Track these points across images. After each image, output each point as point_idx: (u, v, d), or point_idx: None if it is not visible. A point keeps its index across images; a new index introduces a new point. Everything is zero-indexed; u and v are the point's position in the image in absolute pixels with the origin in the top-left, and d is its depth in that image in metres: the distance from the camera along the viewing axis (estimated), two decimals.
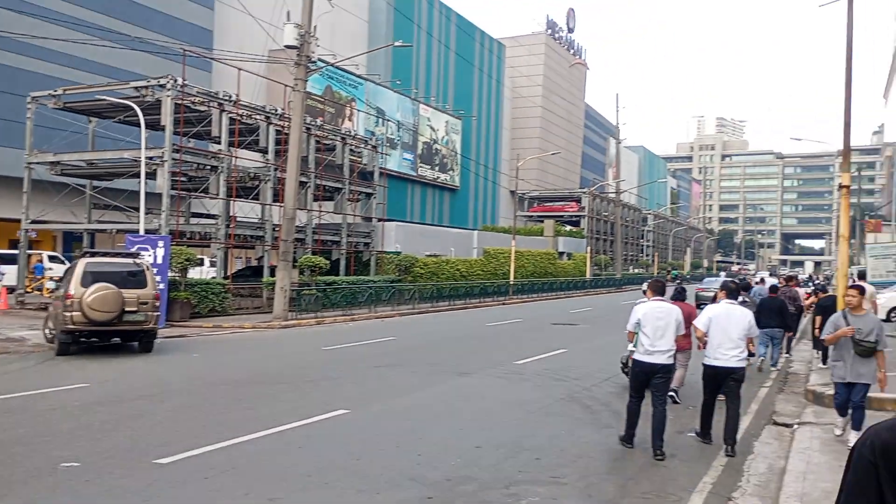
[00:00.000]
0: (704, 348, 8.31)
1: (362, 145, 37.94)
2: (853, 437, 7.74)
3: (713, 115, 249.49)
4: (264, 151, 30.34)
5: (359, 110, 50.25)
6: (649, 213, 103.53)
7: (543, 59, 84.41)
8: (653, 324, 7.89)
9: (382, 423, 9.27)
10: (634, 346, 8.25)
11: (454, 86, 67.61)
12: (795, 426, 9.20)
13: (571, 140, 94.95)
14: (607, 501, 6.25)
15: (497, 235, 55.37)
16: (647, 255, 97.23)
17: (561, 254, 63.00)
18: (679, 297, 11.07)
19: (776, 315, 13.70)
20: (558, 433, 8.76)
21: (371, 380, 12.57)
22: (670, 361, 8.08)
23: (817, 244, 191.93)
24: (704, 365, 8.31)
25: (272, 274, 27.30)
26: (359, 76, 51.21)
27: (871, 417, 8.97)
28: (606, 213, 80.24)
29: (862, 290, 8.47)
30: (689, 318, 9.69)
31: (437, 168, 63.83)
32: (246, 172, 29.28)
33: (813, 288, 24.09)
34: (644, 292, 9.11)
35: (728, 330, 8.06)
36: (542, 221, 69.54)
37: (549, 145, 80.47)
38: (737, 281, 15.18)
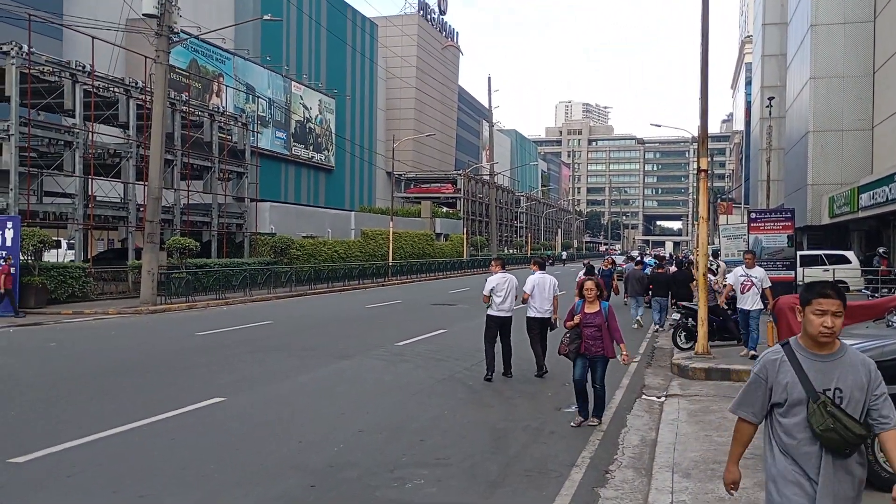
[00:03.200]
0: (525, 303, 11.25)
1: (232, 122, 36.53)
2: None
3: (580, 101, 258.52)
4: (125, 127, 28.58)
5: (227, 86, 48.27)
6: (522, 195, 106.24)
7: (416, 41, 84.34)
8: (501, 288, 11.12)
9: (261, 410, 8.95)
10: (489, 307, 11.21)
11: (326, 64, 66.27)
12: (663, 399, 9.68)
13: (446, 122, 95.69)
14: (491, 481, 6.29)
15: (374, 216, 55.04)
16: (520, 237, 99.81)
17: (438, 235, 63.52)
18: (590, 272, 15.62)
19: (664, 287, 17.54)
20: (441, 414, 8.77)
21: (248, 365, 12.13)
22: (511, 314, 11.23)
23: (675, 225, 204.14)
24: (529, 317, 11.18)
25: (138, 256, 25.87)
26: (226, 50, 49.16)
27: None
28: (481, 195, 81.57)
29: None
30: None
31: (311, 148, 62.53)
32: (105, 149, 27.49)
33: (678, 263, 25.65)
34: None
35: (543, 291, 11.04)
36: (418, 203, 69.74)
37: (424, 127, 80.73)
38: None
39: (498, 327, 11.16)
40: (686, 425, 8.01)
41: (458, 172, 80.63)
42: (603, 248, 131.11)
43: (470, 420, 8.50)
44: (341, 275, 36.03)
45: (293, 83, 58.59)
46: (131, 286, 25.62)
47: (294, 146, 59.21)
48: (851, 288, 24.41)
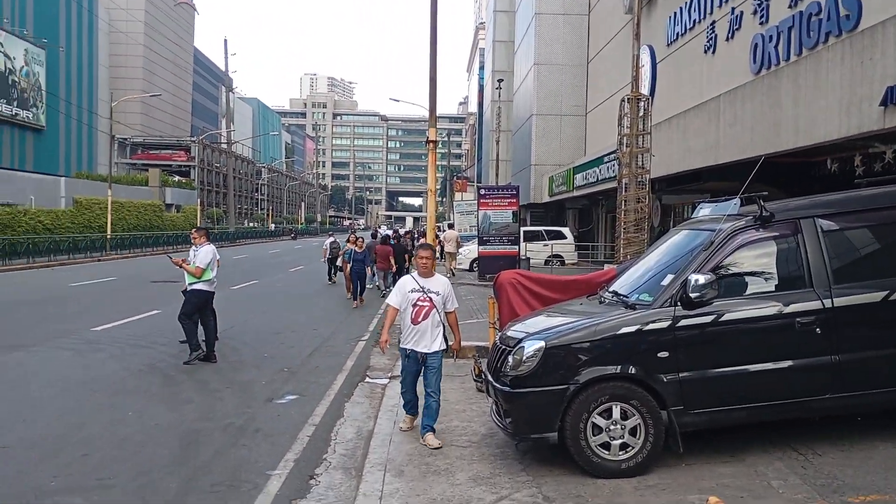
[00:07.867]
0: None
1: None
2: None
3: (325, 75, 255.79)
4: None
5: None
6: (264, 167, 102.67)
7: None
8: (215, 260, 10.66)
9: None
10: (200, 279, 10.28)
11: (34, 9, 57.95)
12: (387, 381, 9.10)
13: (180, 85, 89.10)
14: (166, 503, 5.13)
15: (91, 184, 49.57)
16: (262, 209, 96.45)
17: (169, 206, 59.02)
18: (384, 241, 19.40)
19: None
20: (123, 416, 7.32)
21: None
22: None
23: (416, 201, 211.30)
24: (210, 290, 10.59)
25: None
26: None
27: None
28: (219, 165, 77.20)
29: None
30: (388, 254, 18.84)
31: (15, 103, 54.49)
32: None
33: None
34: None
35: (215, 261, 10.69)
36: (146, 170, 64.10)
37: (155, 88, 74.16)
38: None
39: (205, 302, 10.51)
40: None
41: (193, 139, 75.41)
42: (347, 222, 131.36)
43: (159, 422, 7.16)
44: (45, 249, 31.56)
45: None
46: None
47: None
48: (567, 262, 26.32)
